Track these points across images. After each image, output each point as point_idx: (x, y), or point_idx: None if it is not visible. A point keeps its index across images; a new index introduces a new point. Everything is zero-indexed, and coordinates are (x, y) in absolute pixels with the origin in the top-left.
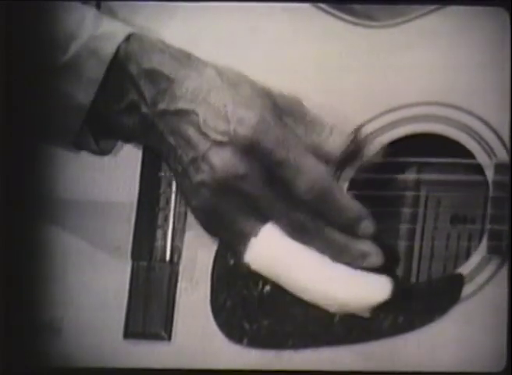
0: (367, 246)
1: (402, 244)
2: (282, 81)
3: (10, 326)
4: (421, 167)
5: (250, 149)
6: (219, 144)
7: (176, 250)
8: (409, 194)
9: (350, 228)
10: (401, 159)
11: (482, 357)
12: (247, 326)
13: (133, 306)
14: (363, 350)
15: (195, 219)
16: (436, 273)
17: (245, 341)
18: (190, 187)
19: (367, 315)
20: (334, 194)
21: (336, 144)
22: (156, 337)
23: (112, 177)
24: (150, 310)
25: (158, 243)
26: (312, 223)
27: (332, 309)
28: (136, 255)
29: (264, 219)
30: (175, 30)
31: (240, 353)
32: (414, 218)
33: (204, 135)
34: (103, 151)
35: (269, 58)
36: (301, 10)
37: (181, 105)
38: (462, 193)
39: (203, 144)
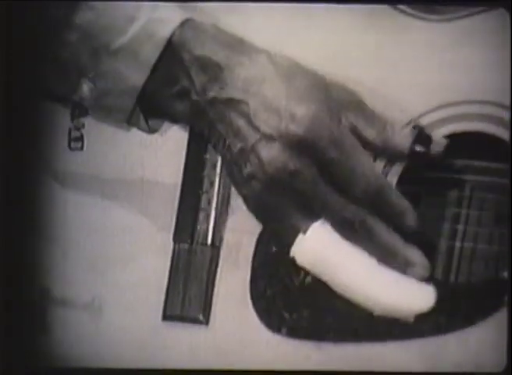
0: (414, 255)
1: (443, 244)
2: (337, 70)
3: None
4: (467, 167)
5: (301, 146)
6: (269, 138)
7: (218, 234)
8: (453, 193)
9: (396, 223)
10: (447, 158)
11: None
12: (286, 315)
13: (173, 288)
14: (404, 348)
15: (245, 206)
16: (476, 274)
17: (284, 330)
18: (239, 177)
19: (410, 320)
20: (386, 193)
21: (403, 140)
22: (194, 320)
23: (158, 157)
24: (189, 293)
25: (201, 226)
26: (363, 222)
27: (375, 312)
28: (177, 237)
29: (315, 215)
30: (233, 16)
31: (278, 342)
32: (456, 218)
33: (254, 127)
34: (152, 130)
35: (326, 47)
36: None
37: (232, 93)
38: (507, 195)
39: (252, 137)
